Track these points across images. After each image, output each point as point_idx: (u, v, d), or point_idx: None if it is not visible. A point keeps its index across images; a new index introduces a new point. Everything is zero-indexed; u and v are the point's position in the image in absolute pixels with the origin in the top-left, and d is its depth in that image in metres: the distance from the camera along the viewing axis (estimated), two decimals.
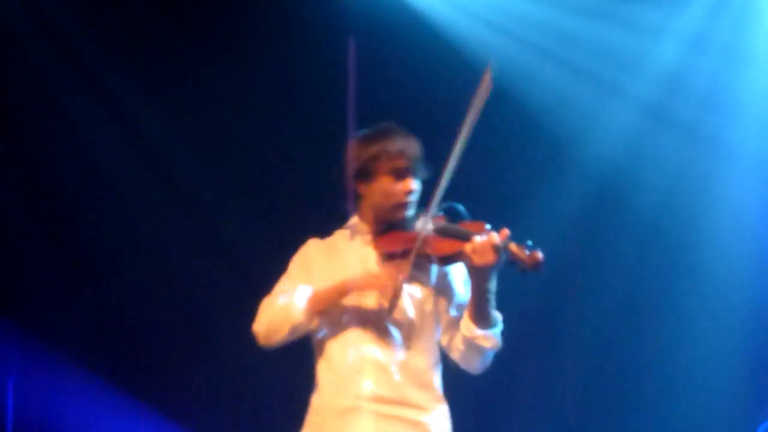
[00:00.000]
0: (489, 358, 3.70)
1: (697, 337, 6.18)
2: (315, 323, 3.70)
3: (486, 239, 3.51)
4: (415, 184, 3.76)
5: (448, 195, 3.74)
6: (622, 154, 6.28)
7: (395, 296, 3.58)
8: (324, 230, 4.02)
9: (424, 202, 3.80)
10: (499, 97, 6.25)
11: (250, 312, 5.97)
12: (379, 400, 3.63)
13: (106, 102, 6.27)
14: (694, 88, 6.26)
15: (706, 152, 6.25)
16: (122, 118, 6.31)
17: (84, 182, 6.30)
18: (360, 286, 3.65)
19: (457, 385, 3.93)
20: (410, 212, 3.75)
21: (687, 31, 6.26)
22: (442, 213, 3.73)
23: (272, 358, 4.04)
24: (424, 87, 6.20)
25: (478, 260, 3.51)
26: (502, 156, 6.32)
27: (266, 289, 3.97)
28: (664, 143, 6.27)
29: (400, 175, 3.74)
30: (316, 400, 3.77)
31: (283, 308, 3.70)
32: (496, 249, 3.51)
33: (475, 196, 6.19)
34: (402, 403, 3.65)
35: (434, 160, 3.91)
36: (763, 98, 6.22)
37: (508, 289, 3.84)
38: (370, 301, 3.70)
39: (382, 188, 3.75)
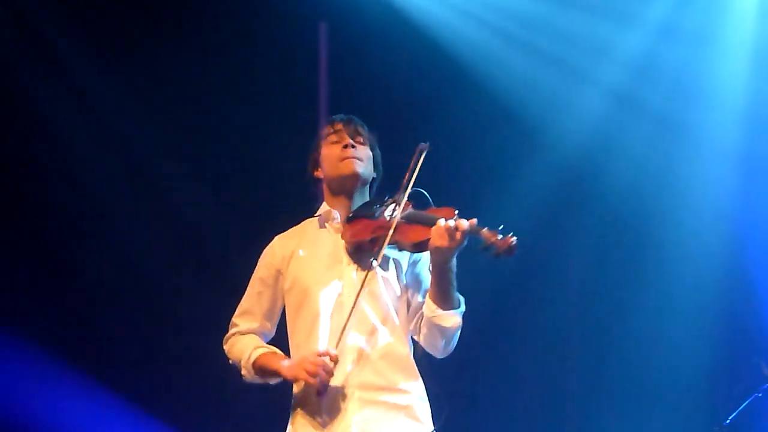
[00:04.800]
0: (452, 340, 3.73)
1: (663, 324, 6.22)
2: (263, 381, 3.87)
3: (454, 224, 3.56)
4: (352, 142, 3.90)
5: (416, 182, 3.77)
6: (591, 142, 6.29)
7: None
8: (294, 221, 4.05)
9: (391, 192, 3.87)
10: (468, 83, 6.33)
11: (223, 308, 5.98)
12: (366, 387, 3.69)
13: (70, 86, 6.21)
14: (664, 76, 6.30)
15: (675, 140, 6.28)
16: (91, 107, 6.26)
17: (55, 178, 6.23)
18: (290, 375, 3.71)
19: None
20: (360, 168, 3.87)
21: (657, 19, 6.28)
22: (408, 200, 3.76)
23: None
24: (393, 71, 6.20)
25: (442, 242, 3.56)
26: (470, 142, 6.33)
27: (239, 284, 4.00)
28: (633, 131, 6.30)
29: (337, 138, 3.93)
30: (299, 393, 3.79)
31: (237, 359, 3.91)
32: (463, 233, 3.55)
33: (443, 181, 6.26)
34: (388, 388, 3.70)
35: (402, 139, 3.94)
36: (733, 86, 6.25)
37: (471, 277, 3.86)
38: (345, 296, 3.74)
39: (325, 156, 3.94)
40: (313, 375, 3.59)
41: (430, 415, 3.77)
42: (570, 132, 6.30)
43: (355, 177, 3.87)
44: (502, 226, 3.54)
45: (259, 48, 6.27)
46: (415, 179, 3.74)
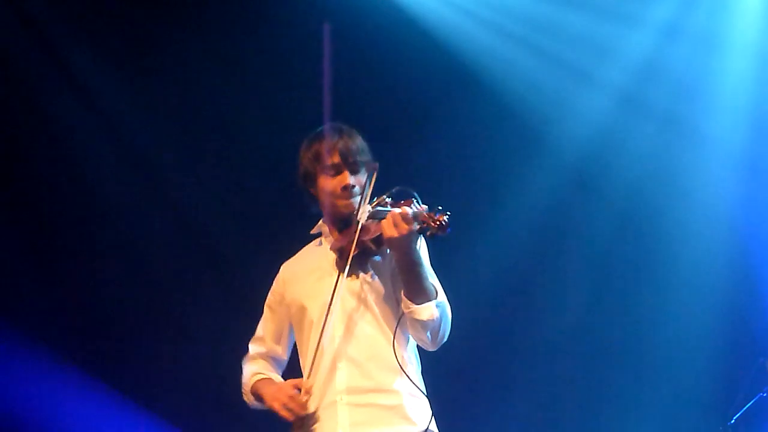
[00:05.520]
0: (438, 331, 3.68)
1: (668, 324, 6.21)
2: (261, 406, 3.93)
3: (395, 211, 3.56)
4: (351, 178, 3.82)
5: (403, 181, 3.75)
6: (595, 142, 6.29)
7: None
8: (300, 223, 4.06)
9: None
10: (472, 84, 6.34)
11: (228, 306, 5.98)
12: (354, 391, 3.71)
13: (77, 85, 6.23)
14: (668, 77, 6.29)
15: (680, 140, 6.27)
16: (99, 107, 6.27)
17: (59, 169, 6.26)
18: (269, 406, 3.81)
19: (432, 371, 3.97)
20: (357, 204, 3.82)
21: (662, 20, 6.27)
22: (389, 199, 3.74)
23: None
24: (396, 71, 6.20)
25: (391, 232, 3.54)
26: (475, 143, 6.33)
27: (245, 284, 4.03)
28: (638, 131, 6.30)
29: (336, 171, 3.83)
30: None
31: (243, 381, 4.03)
32: (406, 219, 3.53)
33: (448, 183, 6.29)
34: (377, 390, 3.71)
35: (406, 143, 3.92)
36: (738, 87, 6.24)
37: (476, 278, 3.85)
38: (333, 305, 3.76)
39: (323, 188, 3.85)
40: (287, 410, 3.69)
41: (427, 412, 3.76)
42: (574, 133, 6.30)
43: (354, 213, 3.81)
44: (440, 207, 3.52)
45: (265, 48, 6.28)
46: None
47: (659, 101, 6.27)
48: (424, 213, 3.53)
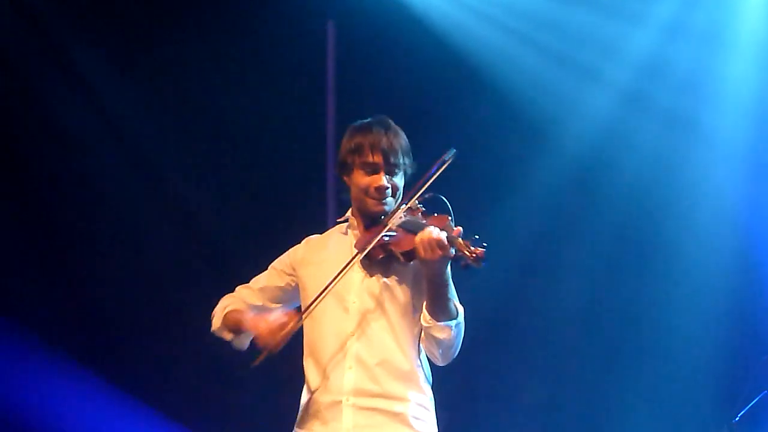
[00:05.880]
0: (449, 350, 3.68)
1: (672, 322, 6.22)
2: (229, 336, 3.92)
3: (432, 234, 3.51)
4: (386, 180, 3.76)
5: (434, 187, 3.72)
6: (600, 140, 6.29)
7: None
8: (302, 221, 4.04)
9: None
10: (476, 82, 6.33)
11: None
12: (360, 393, 3.68)
13: (80, 85, 6.24)
14: (673, 74, 6.28)
15: (684, 138, 6.27)
16: (101, 106, 6.30)
17: (60, 168, 6.26)
18: (250, 327, 3.77)
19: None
20: (388, 207, 3.76)
21: (666, 17, 6.27)
22: (421, 206, 3.72)
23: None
24: (401, 69, 6.20)
25: (424, 254, 3.52)
26: (479, 140, 6.32)
27: (246, 283, 4.02)
28: (642, 129, 6.29)
29: (372, 170, 3.76)
30: (305, 396, 3.83)
31: (216, 311, 3.98)
32: (441, 245, 3.50)
33: (453, 181, 6.27)
34: (382, 395, 3.69)
35: (409, 141, 3.88)
36: (742, 84, 6.24)
37: (480, 277, 3.83)
38: (350, 302, 3.75)
39: (356, 182, 3.79)
40: (265, 341, 3.66)
41: (432, 424, 3.75)
42: (578, 130, 6.30)
43: (383, 214, 3.76)
44: (476, 237, 3.49)
45: (267, 48, 6.27)
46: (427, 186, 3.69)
47: (663, 99, 6.27)
48: (461, 240, 3.49)
